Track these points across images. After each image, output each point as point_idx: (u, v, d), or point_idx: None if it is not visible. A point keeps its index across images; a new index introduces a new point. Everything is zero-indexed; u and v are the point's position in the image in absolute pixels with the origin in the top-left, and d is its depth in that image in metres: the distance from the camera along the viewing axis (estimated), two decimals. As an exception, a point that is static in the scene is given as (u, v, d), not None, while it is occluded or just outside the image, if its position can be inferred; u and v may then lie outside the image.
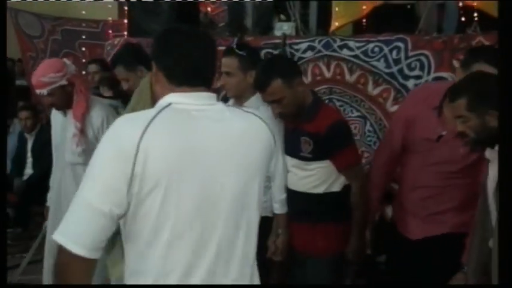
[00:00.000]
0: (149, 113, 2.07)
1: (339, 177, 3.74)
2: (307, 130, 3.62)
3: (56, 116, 4.57)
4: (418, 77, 5.29)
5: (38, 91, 4.23)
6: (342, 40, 5.75)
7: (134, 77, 4.20)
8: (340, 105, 5.52)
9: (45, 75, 4.15)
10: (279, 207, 3.79)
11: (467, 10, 7.68)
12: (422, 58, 5.25)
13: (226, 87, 3.97)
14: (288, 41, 5.71)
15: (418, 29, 5.96)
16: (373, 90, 5.36)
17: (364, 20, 8.00)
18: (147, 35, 6.31)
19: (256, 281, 2.30)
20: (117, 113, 5.85)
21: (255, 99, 3.85)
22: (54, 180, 4.60)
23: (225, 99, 3.99)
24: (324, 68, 5.58)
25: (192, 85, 2.14)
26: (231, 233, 2.14)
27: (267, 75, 3.57)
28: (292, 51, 5.59)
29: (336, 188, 3.76)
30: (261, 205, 2.29)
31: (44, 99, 4.31)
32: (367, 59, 5.42)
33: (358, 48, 5.47)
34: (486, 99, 2.78)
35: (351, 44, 5.56)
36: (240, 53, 3.89)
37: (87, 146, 4.21)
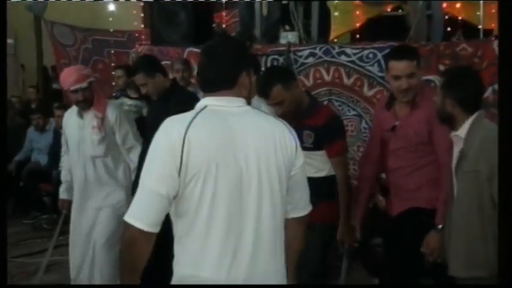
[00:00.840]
0: (191, 113, 2.26)
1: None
2: (308, 124, 3.75)
3: (69, 120, 4.63)
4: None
5: (73, 87, 4.30)
6: (340, 47, 5.77)
7: (152, 82, 4.22)
8: (339, 105, 5.55)
9: (78, 72, 4.40)
10: None
11: (452, 21, 7.67)
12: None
13: None
14: (292, 49, 5.74)
15: (409, 37, 5.93)
16: (368, 92, 5.36)
17: (360, 30, 7.99)
18: (167, 44, 6.33)
19: (282, 278, 2.36)
20: (141, 112, 5.83)
21: (255, 101, 3.88)
22: (75, 176, 4.61)
23: None
24: (324, 72, 5.59)
25: (211, 90, 2.31)
26: (261, 222, 2.24)
27: (268, 82, 3.70)
28: (296, 57, 5.61)
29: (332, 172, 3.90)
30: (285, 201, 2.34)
31: (72, 97, 4.40)
32: (362, 64, 5.43)
33: (354, 54, 5.48)
34: (454, 87, 3.07)
35: (348, 50, 5.58)
36: None
37: (106, 135, 4.40)
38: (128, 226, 2.18)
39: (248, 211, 2.23)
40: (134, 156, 4.52)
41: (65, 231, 5.04)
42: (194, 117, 2.22)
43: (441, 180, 3.42)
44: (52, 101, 8.00)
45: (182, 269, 2.28)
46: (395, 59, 3.51)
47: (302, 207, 2.43)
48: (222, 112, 2.26)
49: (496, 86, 4.87)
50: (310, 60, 5.64)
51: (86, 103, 4.40)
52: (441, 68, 5.24)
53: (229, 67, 2.33)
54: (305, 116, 3.78)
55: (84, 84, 4.30)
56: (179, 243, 2.28)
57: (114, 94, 6.58)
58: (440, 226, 3.37)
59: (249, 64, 2.44)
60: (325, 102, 5.38)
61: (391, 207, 3.85)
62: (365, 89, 5.33)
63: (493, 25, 6.63)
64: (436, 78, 5.18)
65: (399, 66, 3.46)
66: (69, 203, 4.70)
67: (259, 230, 2.24)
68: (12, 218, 7.26)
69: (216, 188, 2.18)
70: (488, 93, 4.90)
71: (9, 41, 12.21)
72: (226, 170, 2.19)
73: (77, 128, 4.54)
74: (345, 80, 5.52)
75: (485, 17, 6.44)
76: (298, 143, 2.36)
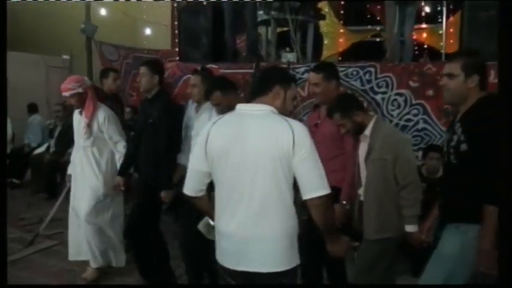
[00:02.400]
0: (223, 115, 2.62)
1: None
2: None
3: (76, 115, 4.77)
4: (384, 93, 5.30)
5: (63, 94, 4.59)
6: (330, 66, 5.72)
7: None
8: (328, 112, 5.51)
9: (69, 84, 4.55)
10: None
11: (419, 46, 7.64)
12: (387, 79, 5.24)
13: (192, 94, 4.29)
14: (291, 66, 5.71)
15: (385, 58, 5.92)
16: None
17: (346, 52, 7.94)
18: (191, 61, 6.32)
19: (272, 236, 2.43)
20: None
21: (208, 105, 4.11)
22: (74, 158, 4.82)
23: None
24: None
25: (251, 99, 2.56)
26: (255, 195, 2.39)
27: (210, 89, 3.97)
28: (294, 73, 5.58)
29: None
30: (286, 181, 2.41)
31: (68, 100, 4.66)
32: (347, 79, 5.42)
33: (341, 71, 5.40)
34: (349, 109, 3.45)
35: (337, 68, 5.52)
36: (202, 72, 4.29)
37: (92, 135, 4.61)
38: (187, 195, 2.66)
39: (244, 188, 2.41)
40: (120, 148, 4.67)
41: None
42: (221, 118, 2.57)
43: (347, 167, 3.65)
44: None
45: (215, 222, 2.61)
46: (311, 71, 3.90)
47: (310, 191, 2.39)
48: (244, 114, 2.49)
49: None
50: (306, 75, 5.60)
51: (76, 106, 4.65)
52: (411, 83, 5.21)
53: (264, 81, 2.56)
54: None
55: (66, 94, 4.54)
56: (216, 211, 2.58)
57: None
58: (344, 202, 3.61)
59: (284, 80, 2.57)
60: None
61: None
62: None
63: (451, 49, 6.61)
64: (406, 92, 5.19)
65: (309, 76, 3.86)
66: (71, 177, 4.89)
67: (251, 200, 2.39)
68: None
69: (224, 168, 2.45)
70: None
71: (66, 56, 12.26)
72: (231, 156, 2.42)
73: (77, 122, 4.74)
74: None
75: (446, 43, 6.43)
76: (298, 141, 2.35)
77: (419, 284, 2.96)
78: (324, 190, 2.39)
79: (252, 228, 2.40)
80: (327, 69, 3.84)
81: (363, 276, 3.43)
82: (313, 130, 3.75)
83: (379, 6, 7.40)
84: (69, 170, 4.93)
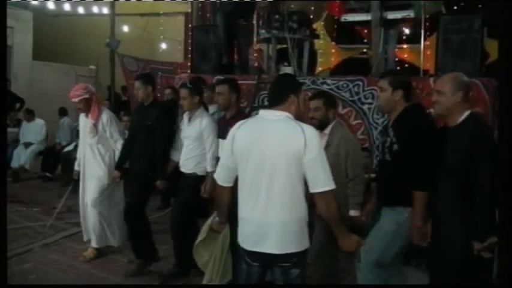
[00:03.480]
0: (246, 119, 2.76)
1: None
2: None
3: (82, 118, 4.94)
4: (370, 104, 5.27)
5: (72, 100, 4.74)
6: (322, 79, 5.76)
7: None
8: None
9: (77, 91, 4.72)
10: (210, 167, 4.09)
11: (401, 62, 7.61)
12: (373, 92, 5.19)
13: (183, 105, 4.30)
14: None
15: (371, 73, 5.89)
16: (342, 111, 5.31)
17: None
18: (201, 72, 6.30)
19: (287, 225, 2.53)
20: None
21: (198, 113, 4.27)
22: (80, 155, 4.97)
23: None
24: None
25: (270, 106, 2.64)
26: (271, 187, 2.50)
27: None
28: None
29: None
30: (297, 176, 2.50)
31: (76, 105, 4.80)
32: (338, 91, 5.39)
33: (333, 84, 5.47)
34: (332, 103, 3.79)
35: (328, 81, 5.57)
36: (189, 86, 4.27)
37: (98, 134, 4.76)
38: (217, 184, 2.77)
39: (262, 182, 2.51)
40: (118, 145, 4.78)
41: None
42: (245, 122, 2.69)
43: None
44: (120, 109, 7.97)
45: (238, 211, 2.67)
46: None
47: (317, 185, 2.48)
48: (264, 119, 2.61)
49: (431, 110, 4.85)
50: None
51: (83, 110, 4.81)
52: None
53: (280, 93, 2.63)
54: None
55: (75, 100, 4.68)
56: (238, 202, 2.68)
57: None
58: None
59: (296, 88, 2.68)
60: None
61: None
62: (340, 108, 5.27)
63: (428, 66, 6.59)
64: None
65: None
66: (79, 172, 4.99)
67: (268, 192, 2.50)
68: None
69: (246, 166, 2.56)
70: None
71: (92, 67, 12.27)
72: (252, 156, 2.54)
73: (84, 124, 4.89)
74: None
75: (424, 60, 6.40)
76: (309, 143, 2.45)
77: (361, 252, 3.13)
78: (329, 186, 2.48)
79: (269, 215, 2.51)
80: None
81: (315, 259, 3.52)
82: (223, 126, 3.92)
83: (366, 30, 7.36)
84: (76, 167, 5.06)
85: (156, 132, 4.40)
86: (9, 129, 9.06)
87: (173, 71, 9.34)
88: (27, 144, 8.90)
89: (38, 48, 11.74)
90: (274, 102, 2.62)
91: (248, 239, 2.58)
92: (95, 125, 4.73)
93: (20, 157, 8.68)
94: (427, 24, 6.90)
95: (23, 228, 5.63)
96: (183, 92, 4.25)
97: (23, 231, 5.49)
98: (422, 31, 6.16)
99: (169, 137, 4.56)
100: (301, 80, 5.60)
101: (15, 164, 8.58)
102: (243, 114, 4.02)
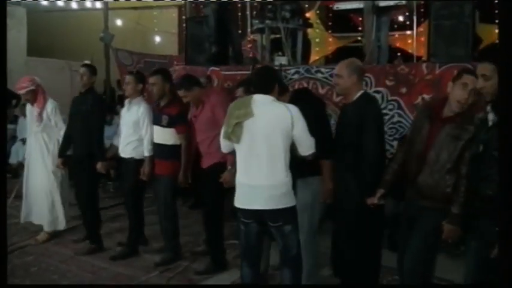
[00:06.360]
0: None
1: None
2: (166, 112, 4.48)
3: (28, 107, 5.32)
4: (363, 91, 5.30)
5: (19, 92, 5.17)
6: (316, 67, 5.80)
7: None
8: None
9: (24, 83, 5.07)
10: (147, 152, 4.54)
11: (394, 49, 7.68)
12: (367, 79, 5.23)
13: (127, 89, 4.71)
14: (283, 68, 5.75)
15: (365, 61, 5.95)
16: (335, 99, 5.35)
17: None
18: (196, 64, 6.37)
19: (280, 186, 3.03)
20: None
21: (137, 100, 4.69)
22: (29, 143, 5.39)
23: None
24: (305, 85, 5.57)
25: (260, 93, 3.11)
26: (263, 156, 3.00)
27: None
28: (286, 74, 5.64)
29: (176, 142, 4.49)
30: (283, 147, 3.02)
31: (23, 97, 5.23)
32: (332, 79, 5.40)
33: (326, 72, 5.49)
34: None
35: (322, 69, 5.60)
36: (134, 73, 4.87)
37: (43, 122, 5.10)
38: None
39: (257, 149, 3.01)
40: (62, 133, 5.08)
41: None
42: (240, 99, 3.32)
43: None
44: (116, 104, 8.05)
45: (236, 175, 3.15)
46: None
47: (304, 150, 3.11)
48: (256, 100, 3.07)
49: (424, 95, 4.95)
50: (296, 76, 5.67)
51: (29, 101, 5.19)
52: (387, 82, 5.24)
53: (268, 83, 3.16)
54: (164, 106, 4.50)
55: (22, 91, 5.07)
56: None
57: None
58: (231, 168, 3.86)
59: (278, 80, 3.31)
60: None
61: (203, 162, 4.31)
62: (334, 96, 5.34)
63: (422, 52, 6.66)
64: (383, 90, 5.23)
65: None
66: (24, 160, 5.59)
67: (262, 159, 3.00)
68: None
69: (243, 137, 3.03)
70: (419, 100, 4.96)
71: (87, 61, 12.23)
72: (249, 129, 3.02)
73: (30, 113, 5.27)
74: (320, 90, 5.52)
75: (417, 47, 6.46)
76: (295, 119, 2.99)
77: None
78: (313, 149, 3.12)
79: (263, 179, 3.00)
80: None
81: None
82: (194, 120, 4.32)
83: (361, 19, 7.43)
84: (25, 155, 5.50)
85: (91, 118, 4.80)
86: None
87: (167, 64, 9.41)
88: (25, 140, 8.93)
89: (32, 44, 11.78)
90: (263, 90, 3.11)
91: (244, 199, 3.07)
92: (40, 114, 5.09)
93: (18, 153, 8.73)
94: (422, 10, 6.99)
95: (23, 222, 5.70)
96: (128, 78, 4.72)
97: (23, 225, 5.58)
98: (415, 17, 6.24)
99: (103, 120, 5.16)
100: (295, 69, 5.76)
101: (13, 160, 8.65)
102: (176, 103, 4.45)
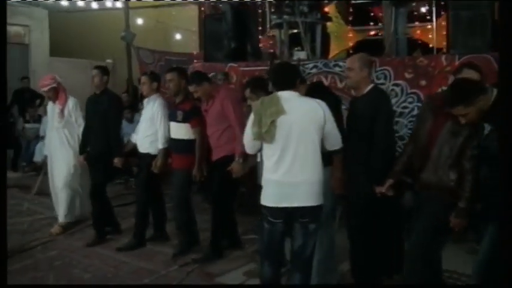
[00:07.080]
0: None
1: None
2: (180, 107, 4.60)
3: (50, 105, 5.54)
4: (382, 84, 5.26)
5: (42, 89, 5.43)
6: (335, 61, 5.85)
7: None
8: (334, 102, 5.55)
9: (46, 81, 5.31)
10: (161, 145, 4.70)
11: (413, 42, 7.60)
12: (386, 72, 5.26)
13: (143, 89, 5.00)
14: (301, 63, 5.78)
15: (384, 53, 5.94)
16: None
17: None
18: (214, 61, 6.42)
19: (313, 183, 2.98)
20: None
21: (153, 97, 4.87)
22: (49, 139, 5.61)
23: None
24: (323, 79, 5.60)
25: (283, 89, 3.04)
26: (299, 152, 2.93)
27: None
28: (304, 68, 5.66)
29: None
30: (318, 142, 2.99)
31: (46, 94, 5.43)
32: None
33: (344, 66, 5.44)
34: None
35: (341, 64, 5.58)
36: (148, 74, 5.09)
37: (64, 119, 5.34)
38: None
39: (293, 146, 2.93)
40: (81, 130, 5.28)
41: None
42: (267, 98, 3.11)
43: (236, 136, 4.11)
44: (138, 101, 8.15)
45: (264, 174, 3.06)
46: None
47: (332, 145, 3.09)
48: (283, 97, 2.98)
49: (444, 88, 4.91)
50: (314, 70, 5.70)
51: (51, 98, 5.39)
52: (406, 75, 5.22)
53: (291, 78, 3.09)
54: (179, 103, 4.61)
55: (45, 89, 5.31)
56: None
57: None
58: (238, 158, 4.08)
59: (299, 75, 3.32)
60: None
61: (213, 155, 4.44)
62: (352, 90, 5.33)
63: (443, 44, 6.59)
64: (402, 82, 5.21)
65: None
66: (45, 157, 5.80)
67: (296, 156, 2.93)
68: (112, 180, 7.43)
69: (277, 135, 2.93)
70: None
71: (109, 60, 12.49)
72: (283, 125, 2.93)
73: (51, 110, 5.47)
74: (338, 84, 5.53)
75: (437, 38, 6.40)
76: (327, 115, 2.97)
77: None
78: (341, 144, 3.12)
79: (296, 176, 2.93)
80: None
81: None
82: (205, 115, 4.45)
83: (380, 13, 7.39)
84: (45, 152, 5.77)
85: (108, 117, 4.97)
86: (30, 125, 9.38)
87: (187, 62, 9.50)
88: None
89: (55, 45, 12.02)
90: (287, 86, 3.04)
91: (274, 197, 2.98)
92: (62, 111, 5.31)
93: (42, 152, 8.94)
94: (442, 2, 6.91)
95: (47, 218, 5.89)
96: (143, 78, 4.99)
97: (47, 221, 5.72)
98: (434, 8, 6.18)
99: (120, 119, 5.37)
100: (313, 63, 5.77)
101: (37, 158, 8.85)
102: (190, 99, 4.60)
